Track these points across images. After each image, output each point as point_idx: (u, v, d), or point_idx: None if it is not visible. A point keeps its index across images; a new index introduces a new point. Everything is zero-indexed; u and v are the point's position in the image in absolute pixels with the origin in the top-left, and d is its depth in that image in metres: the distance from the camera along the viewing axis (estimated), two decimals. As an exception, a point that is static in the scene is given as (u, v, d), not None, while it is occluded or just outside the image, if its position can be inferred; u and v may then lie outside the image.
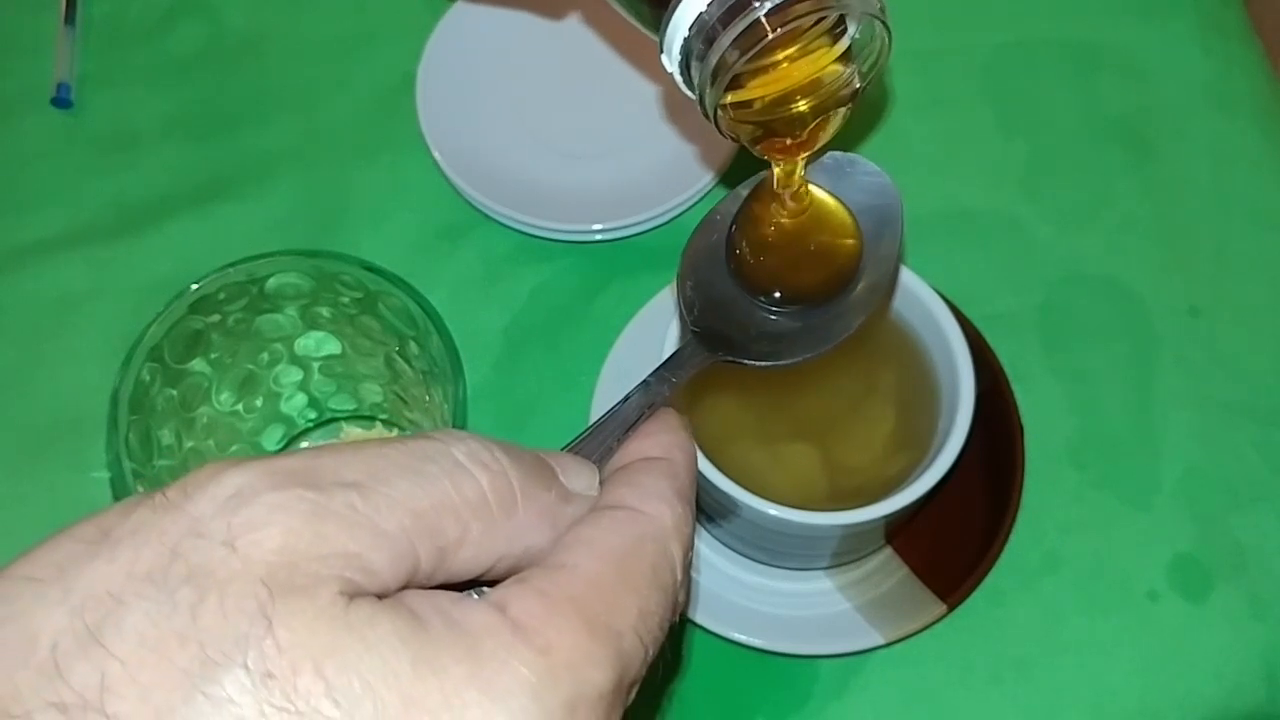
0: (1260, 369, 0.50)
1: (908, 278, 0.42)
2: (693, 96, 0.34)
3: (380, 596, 0.20)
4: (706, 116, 0.34)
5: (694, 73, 0.34)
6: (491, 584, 0.23)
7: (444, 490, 0.21)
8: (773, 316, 0.36)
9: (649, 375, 0.30)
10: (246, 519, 0.19)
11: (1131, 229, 0.53)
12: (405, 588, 0.21)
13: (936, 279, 0.43)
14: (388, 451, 0.21)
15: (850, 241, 0.37)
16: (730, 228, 0.37)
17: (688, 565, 0.25)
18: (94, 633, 0.18)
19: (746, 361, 0.34)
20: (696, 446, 0.28)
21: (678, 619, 0.25)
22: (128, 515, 0.20)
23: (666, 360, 0.32)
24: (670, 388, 0.30)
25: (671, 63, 0.35)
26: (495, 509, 0.22)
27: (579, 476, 0.25)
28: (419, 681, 0.19)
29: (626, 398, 0.29)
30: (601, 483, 0.26)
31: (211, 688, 0.18)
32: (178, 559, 0.19)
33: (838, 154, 0.37)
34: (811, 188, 0.37)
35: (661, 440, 0.27)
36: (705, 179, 0.52)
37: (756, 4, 0.32)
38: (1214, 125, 0.55)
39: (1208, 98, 0.56)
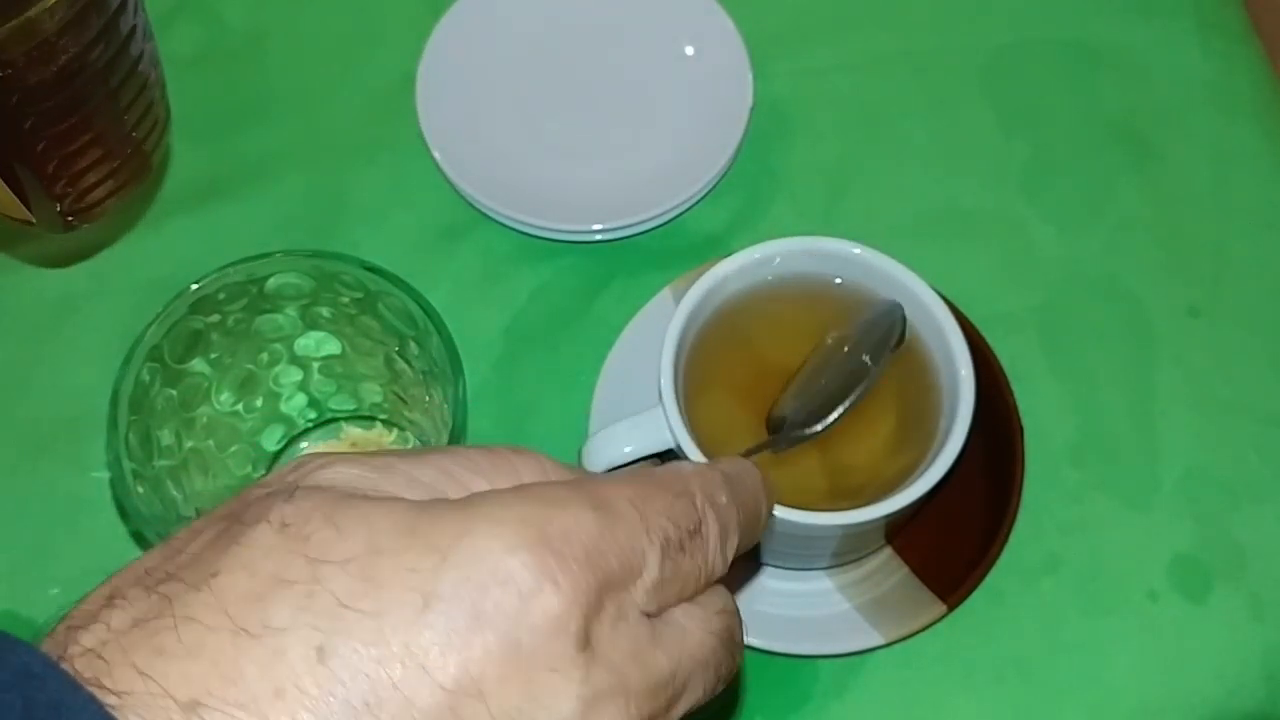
0: (1260, 369, 0.50)
1: (909, 279, 0.42)
2: None
3: None
4: None
5: None
6: None
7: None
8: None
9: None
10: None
11: (1131, 229, 0.53)
12: None
13: (936, 279, 0.43)
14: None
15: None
16: None
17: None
18: None
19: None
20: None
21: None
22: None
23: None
24: None
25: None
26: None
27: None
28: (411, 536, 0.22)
29: None
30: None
31: None
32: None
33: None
34: None
35: None
36: (705, 179, 0.52)
37: None
38: (1214, 125, 0.55)
39: (1208, 97, 0.56)
